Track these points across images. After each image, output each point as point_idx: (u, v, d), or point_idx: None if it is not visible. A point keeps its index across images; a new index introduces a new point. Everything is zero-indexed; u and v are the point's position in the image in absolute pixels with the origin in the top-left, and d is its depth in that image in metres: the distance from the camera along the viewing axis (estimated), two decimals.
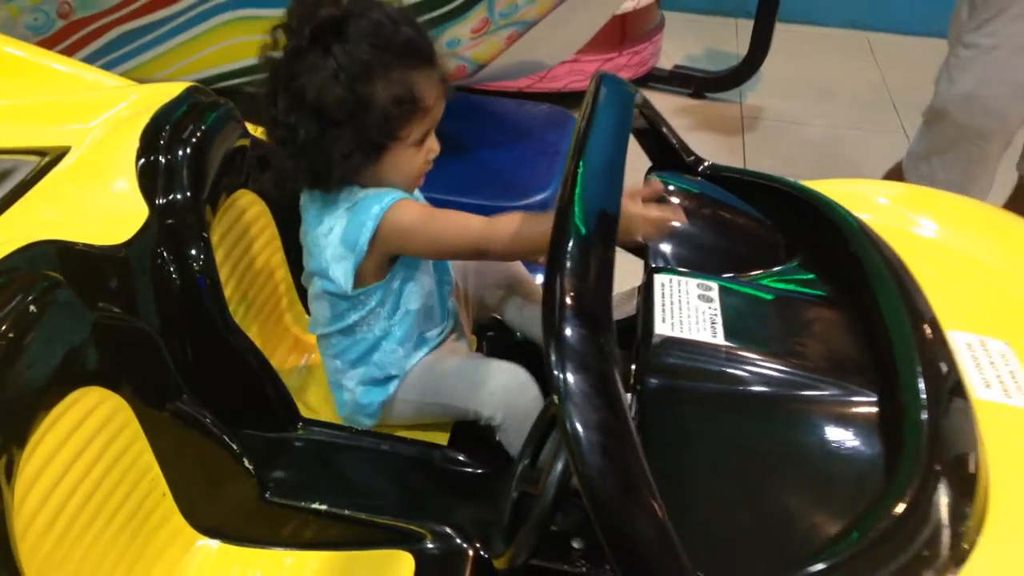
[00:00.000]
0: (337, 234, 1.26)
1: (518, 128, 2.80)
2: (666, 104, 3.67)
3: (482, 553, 1.23)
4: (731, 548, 0.89)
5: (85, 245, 1.14)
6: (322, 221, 1.28)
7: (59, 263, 1.09)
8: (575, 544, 1.21)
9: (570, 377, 0.81)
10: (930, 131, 2.06)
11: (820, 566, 0.83)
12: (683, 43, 4.21)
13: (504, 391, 1.32)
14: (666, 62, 3.91)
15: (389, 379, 1.39)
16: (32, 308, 0.98)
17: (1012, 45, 1.85)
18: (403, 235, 1.25)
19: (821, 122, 3.76)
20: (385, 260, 1.30)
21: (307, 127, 1.18)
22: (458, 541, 1.23)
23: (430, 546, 1.23)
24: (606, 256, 0.92)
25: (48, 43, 2.19)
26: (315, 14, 1.17)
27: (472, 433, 1.40)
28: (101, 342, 1.08)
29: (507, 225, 1.21)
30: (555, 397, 0.81)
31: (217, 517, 1.24)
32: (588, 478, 0.78)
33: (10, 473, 0.92)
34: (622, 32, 3.60)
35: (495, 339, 1.64)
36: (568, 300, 0.86)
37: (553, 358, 0.83)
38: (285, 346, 1.58)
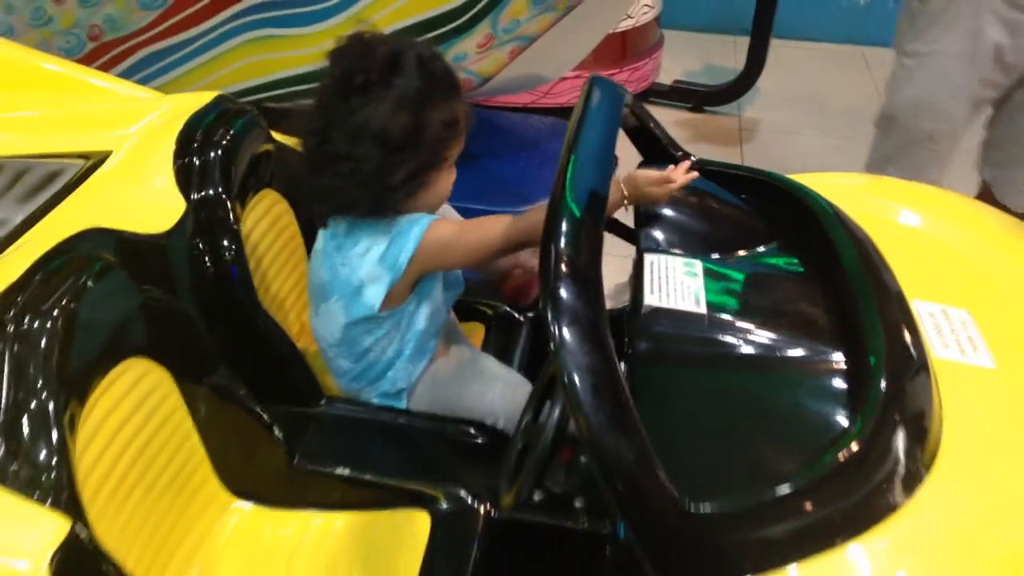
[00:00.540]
0: (376, 254, 1.34)
1: (523, 139, 2.93)
2: (666, 118, 3.76)
3: (492, 513, 1.34)
4: (708, 476, 1.01)
5: (131, 233, 1.28)
6: (358, 241, 1.35)
7: (110, 248, 1.21)
8: (577, 503, 1.32)
9: (564, 329, 0.94)
10: (883, 138, 2.17)
11: (786, 489, 0.94)
12: (682, 59, 4.35)
13: (501, 400, 1.45)
14: (666, 78, 4.05)
15: (401, 392, 1.50)
16: (89, 283, 1.10)
17: (949, 52, 1.96)
18: (442, 249, 1.35)
19: (816, 133, 3.88)
20: (413, 282, 1.39)
21: (373, 156, 1.27)
22: (470, 501, 1.34)
23: (444, 506, 1.33)
24: (595, 229, 1.05)
25: (80, 63, 2.33)
26: (374, 52, 1.28)
27: None
28: (147, 319, 1.21)
29: (530, 216, 1.30)
30: (551, 345, 0.93)
31: (250, 481, 1.36)
32: (581, 414, 0.90)
33: (73, 426, 1.04)
34: (622, 49, 3.74)
35: (499, 330, 1.76)
36: (562, 265, 0.98)
37: (549, 314, 0.95)
38: (306, 336, 1.70)
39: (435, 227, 1.34)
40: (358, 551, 1.32)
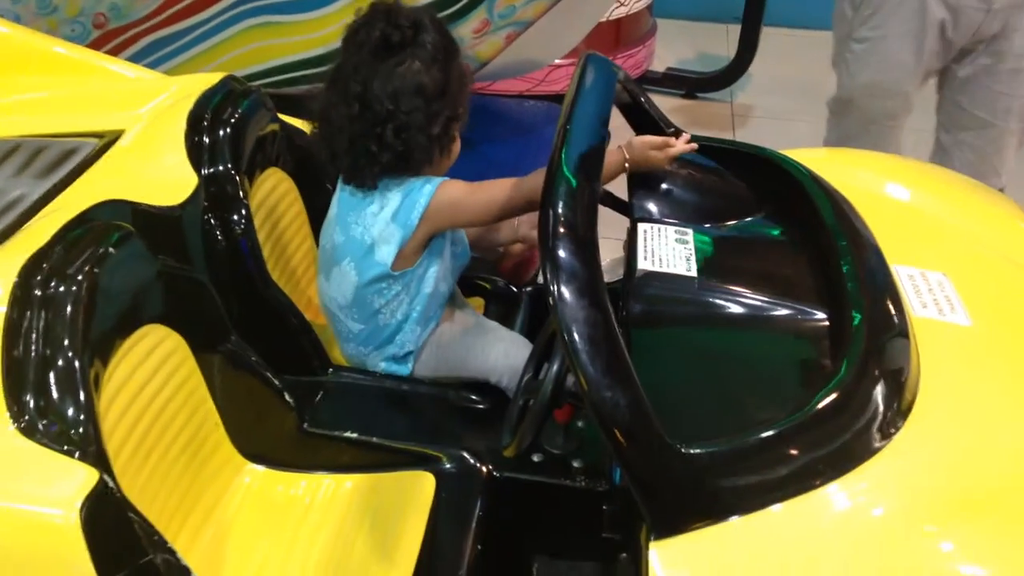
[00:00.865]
0: (389, 212, 1.42)
1: (519, 124, 2.99)
2: (660, 104, 3.80)
3: (494, 473, 1.40)
4: (698, 425, 1.07)
5: (147, 205, 1.33)
6: (372, 201, 1.43)
7: (126, 218, 1.27)
8: (575, 463, 1.39)
9: (562, 286, 1.00)
10: (840, 121, 2.30)
11: (770, 433, 1.01)
12: (675, 47, 4.40)
13: (504, 358, 1.51)
14: (659, 65, 4.11)
15: (408, 355, 1.56)
16: (111, 251, 1.16)
17: (896, 32, 2.09)
18: (452, 207, 1.43)
19: (808, 119, 3.90)
20: (423, 242, 1.46)
21: (419, 109, 1.37)
22: (472, 462, 1.40)
23: (448, 466, 1.40)
24: (590, 194, 1.11)
25: None
26: (399, 15, 1.39)
27: None
28: (164, 287, 1.26)
29: (534, 178, 1.36)
30: (550, 301, 0.99)
31: (262, 445, 1.42)
32: (579, 363, 0.97)
33: (97, 384, 1.10)
34: (616, 36, 3.80)
35: (499, 302, 1.82)
36: (560, 227, 1.04)
37: (548, 273, 1.01)
38: (312, 309, 1.75)
39: (445, 186, 1.42)
40: (366, 510, 1.38)
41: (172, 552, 1.08)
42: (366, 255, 1.44)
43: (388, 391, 1.55)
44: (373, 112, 1.37)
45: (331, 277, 1.51)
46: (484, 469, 1.39)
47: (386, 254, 1.43)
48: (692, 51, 4.49)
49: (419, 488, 1.38)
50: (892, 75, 2.15)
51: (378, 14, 1.40)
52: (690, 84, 4.05)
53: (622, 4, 3.69)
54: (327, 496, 1.41)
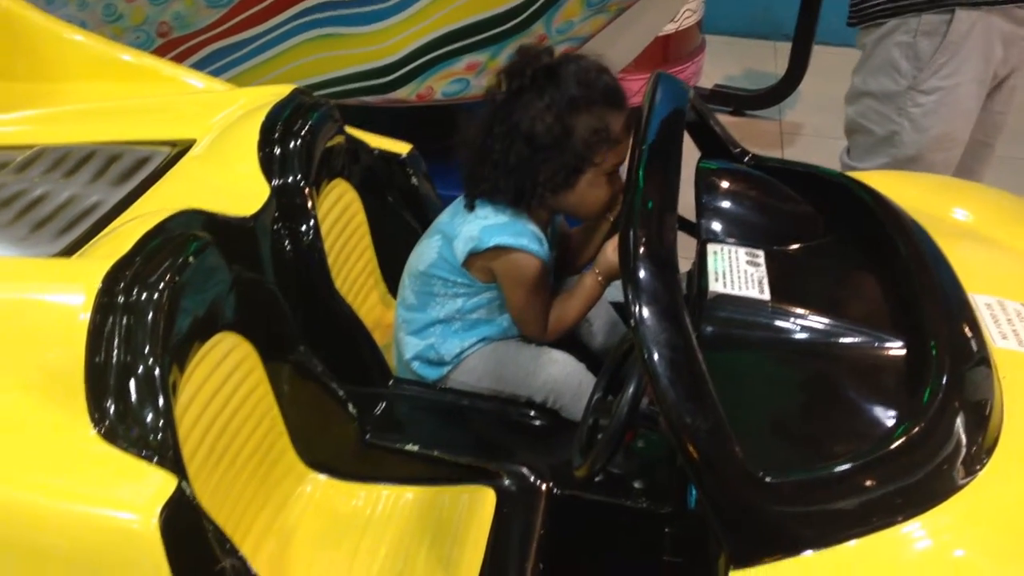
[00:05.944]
0: (481, 223, 1.48)
1: None
2: None
3: (555, 490, 1.39)
4: (773, 453, 1.05)
5: (221, 215, 1.35)
6: (486, 206, 1.50)
7: (203, 227, 1.29)
8: (636, 484, 1.38)
9: (644, 307, 0.99)
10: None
11: (850, 465, 0.99)
12: (723, 64, 4.39)
13: (554, 382, 1.53)
14: (707, 82, 4.09)
15: (442, 363, 1.58)
16: (190, 260, 1.17)
17: (968, 79, 2.01)
18: (498, 272, 1.50)
19: None
20: (487, 274, 1.52)
21: (519, 151, 1.42)
22: (533, 479, 1.39)
23: (508, 483, 1.39)
24: (669, 215, 1.10)
25: None
26: (536, 61, 1.43)
27: None
28: (238, 295, 1.28)
29: (555, 322, 1.53)
30: (631, 323, 0.99)
31: (325, 454, 1.43)
32: (659, 386, 0.96)
33: (175, 389, 1.11)
34: (664, 53, 3.78)
35: None
36: (641, 248, 1.04)
37: (630, 295, 1.01)
38: (370, 320, 1.76)
39: (521, 257, 1.48)
40: (427, 524, 1.39)
41: (243, 560, 1.09)
42: (449, 241, 1.52)
43: (448, 404, 1.56)
44: (487, 145, 1.45)
45: (420, 243, 1.60)
46: (544, 487, 1.39)
47: (460, 251, 1.49)
48: (739, 68, 4.47)
49: (480, 503, 1.38)
50: (961, 123, 2.07)
51: (520, 58, 1.45)
52: (739, 101, 4.03)
53: (672, 20, 3.68)
54: (387, 508, 1.42)
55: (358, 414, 1.44)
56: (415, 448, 1.44)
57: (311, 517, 1.39)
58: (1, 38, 1.79)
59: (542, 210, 1.52)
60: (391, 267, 1.79)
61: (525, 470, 1.40)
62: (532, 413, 1.55)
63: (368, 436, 1.44)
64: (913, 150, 2.12)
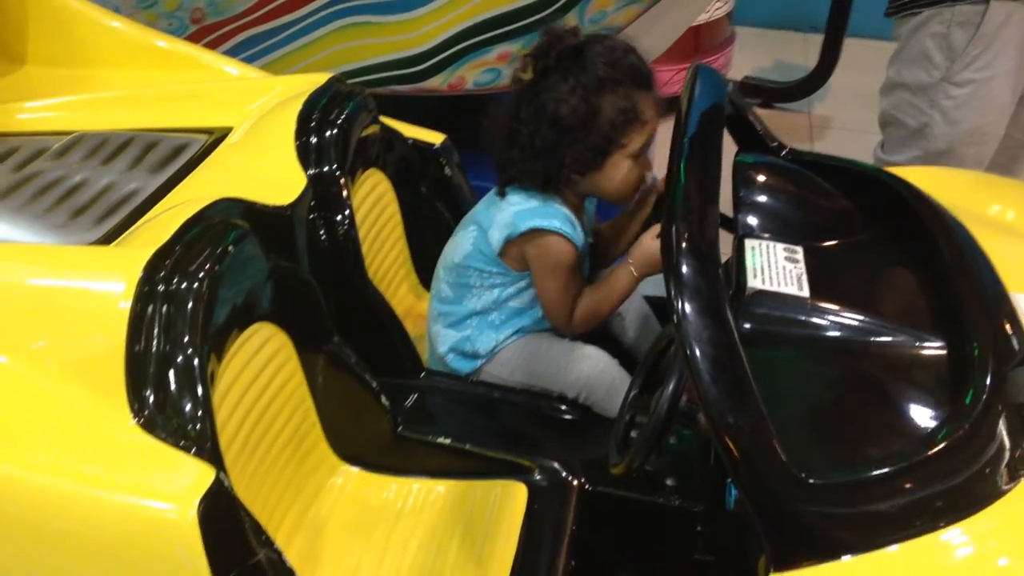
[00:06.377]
0: (514, 209, 1.47)
1: None
2: None
3: (586, 486, 1.39)
4: (813, 452, 1.04)
5: (259, 204, 1.35)
6: (517, 192, 1.49)
7: (241, 216, 1.29)
8: (668, 481, 1.38)
9: (686, 303, 0.98)
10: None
11: (892, 467, 0.98)
12: (753, 55, 4.35)
13: (587, 378, 1.52)
14: (736, 73, 4.05)
15: (476, 356, 1.57)
16: (229, 249, 1.17)
17: (1002, 71, 1.97)
18: (531, 256, 1.49)
19: None
20: (522, 259, 1.51)
21: (545, 134, 1.41)
22: (565, 474, 1.39)
23: (539, 477, 1.39)
24: (711, 209, 1.09)
25: None
26: (561, 42, 1.41)
27: None
28: (275, 285, 1.28)
29: (585, 313, 1.51)
30: (673, 318, 0.98)
31: (357, 446, 1.43)
32: (702, 383, 0.95)
33: (213, 378, 1.12)
34: (695, 43, 3.75)
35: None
36: (683, 243, 1.03)
37: (672, 290, 1.00)
38: (401, 310, 1.76)
39: (554, 240, 1.45)
40: (459, 518, 1.38)
41: (279, 552, 1.09)
42: (484, 231, 1.51)
43: (479, 397, 1.55)
44: (515, 129, 1.44)
45: (456, 235, 1.59)
46: (576, 482, 1.38)
47: (495, 240, 1.49)
48: (769, 59, 4.43)
49: (511, 498, 1.37)
50: (994, 117, 2.04)
51: (546, 39, 1.43)
52: (768, 94, 3.98)
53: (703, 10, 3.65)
54: (419, 501, 1.42)
55: (391, 406, 1.44)
56: (447, 441, 1.43)
57: (343, 509, 1.39)
58: (41, 24, 1.80)
59: (572, 194, 1.50)
60: (422, 257, 1.79)
61: (557, 465, 1.40)
62: (564, 408, 1.54)
63: (400, 428, 1.44)
64: (944, 143, 2.08)
